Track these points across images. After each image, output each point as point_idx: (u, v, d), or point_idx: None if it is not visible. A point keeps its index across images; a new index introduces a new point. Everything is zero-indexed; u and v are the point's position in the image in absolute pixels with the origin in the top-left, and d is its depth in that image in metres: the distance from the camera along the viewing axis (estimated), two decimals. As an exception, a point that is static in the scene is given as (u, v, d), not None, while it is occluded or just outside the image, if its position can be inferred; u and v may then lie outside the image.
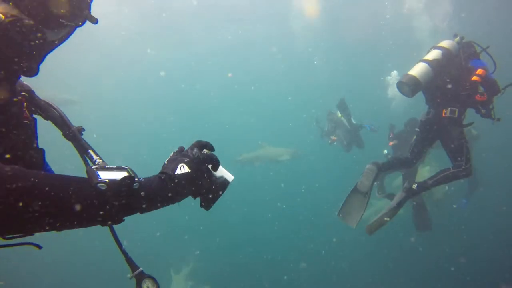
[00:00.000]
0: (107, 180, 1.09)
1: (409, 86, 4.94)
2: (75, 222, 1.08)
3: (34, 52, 1.25)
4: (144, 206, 1.17)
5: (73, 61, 18.39)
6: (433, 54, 5.07)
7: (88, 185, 1.08)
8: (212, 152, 1.35)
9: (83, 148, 1.63)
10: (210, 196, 1.33)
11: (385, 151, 8.07)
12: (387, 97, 10.97)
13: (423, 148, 5.65)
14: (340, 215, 5.35)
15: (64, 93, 15.27)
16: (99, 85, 21.31)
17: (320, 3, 17.02)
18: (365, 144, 9.41)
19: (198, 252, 12.84)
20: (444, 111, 5.17)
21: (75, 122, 1.68)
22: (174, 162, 1.27)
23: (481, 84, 5.03)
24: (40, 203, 0.99)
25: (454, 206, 9.85)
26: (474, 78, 4.93)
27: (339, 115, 9.50)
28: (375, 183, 7.79)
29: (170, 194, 1.20)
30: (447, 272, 10.62)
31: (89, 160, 1.58)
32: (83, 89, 18.91)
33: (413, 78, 4.90)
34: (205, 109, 22.96)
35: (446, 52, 5.05)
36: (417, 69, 4.98)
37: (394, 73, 10.92)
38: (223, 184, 1.35)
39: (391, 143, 8.06)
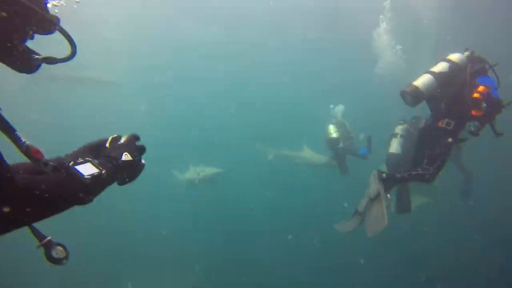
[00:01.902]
0: (90, 176, 1.40)
1: (411, 96, 5.11)
2: (63, 208, 1.40)
3: None
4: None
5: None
6: (440, 67, 5.20)
7: (76, 181, 1.38)
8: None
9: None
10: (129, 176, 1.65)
11: None
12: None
13: (422, 157, 5.63)
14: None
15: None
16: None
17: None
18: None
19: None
20: (441, 121, 5.32)
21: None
22: (116, 149, 1.60)
23: (484, 101, 5.08)
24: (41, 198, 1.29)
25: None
26: (475, 95, 5.02)
27: (331, 131, 8.88)
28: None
29: (118, 171, 1.54)
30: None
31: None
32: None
33: (416, 88, 5.06)
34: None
35: (453, 65, 5.16)
36: (422, 80, 5.13)
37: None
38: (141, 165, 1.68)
39: None
